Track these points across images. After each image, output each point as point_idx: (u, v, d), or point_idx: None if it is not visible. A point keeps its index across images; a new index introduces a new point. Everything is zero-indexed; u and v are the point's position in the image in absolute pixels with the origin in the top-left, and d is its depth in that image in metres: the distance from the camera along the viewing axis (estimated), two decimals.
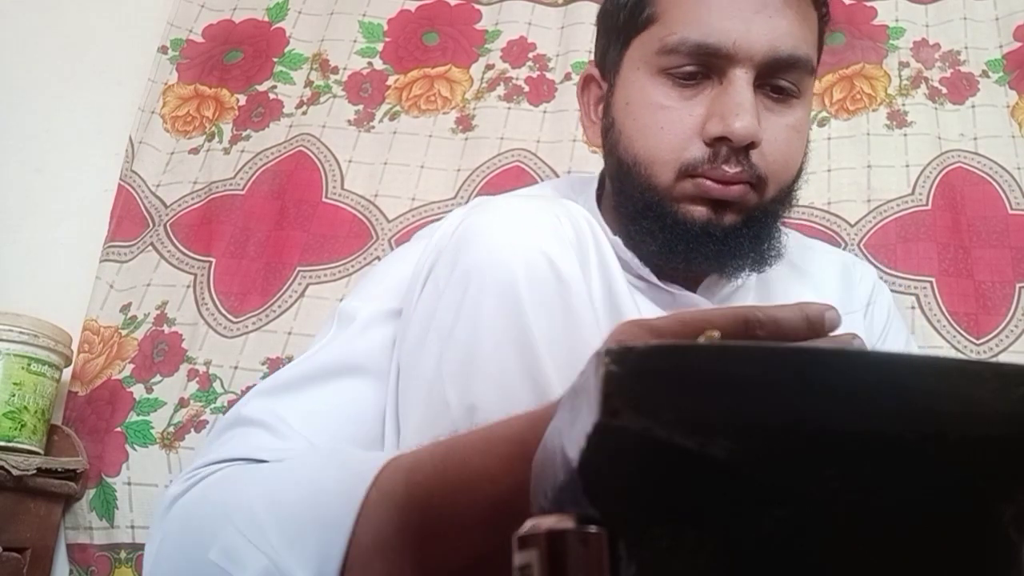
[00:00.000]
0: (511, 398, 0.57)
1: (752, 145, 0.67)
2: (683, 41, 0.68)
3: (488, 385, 0.57)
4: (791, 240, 0.87)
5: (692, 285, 0.72)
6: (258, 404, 0.66)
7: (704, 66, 0.69)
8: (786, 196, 0.73)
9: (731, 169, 0.67)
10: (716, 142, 0.67)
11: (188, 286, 1.33)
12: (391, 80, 1.46)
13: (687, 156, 0.68)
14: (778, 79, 0.69)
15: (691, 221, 0.69)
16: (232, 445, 0.63)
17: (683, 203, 0.69)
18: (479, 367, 0.57)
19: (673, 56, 0.69)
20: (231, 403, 1.20)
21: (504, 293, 0.58)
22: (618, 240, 0.74)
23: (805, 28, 0.70)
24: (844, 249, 1.19)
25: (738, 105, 0.66)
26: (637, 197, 0.72)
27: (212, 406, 1.22)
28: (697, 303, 0.70)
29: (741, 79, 0.67)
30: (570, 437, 0.26)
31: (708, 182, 0.68)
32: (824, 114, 1.33)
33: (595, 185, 0.83)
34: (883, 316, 0.85)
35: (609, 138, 0.75)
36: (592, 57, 0.85)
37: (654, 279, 0.71)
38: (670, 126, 0.69)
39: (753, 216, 0.69)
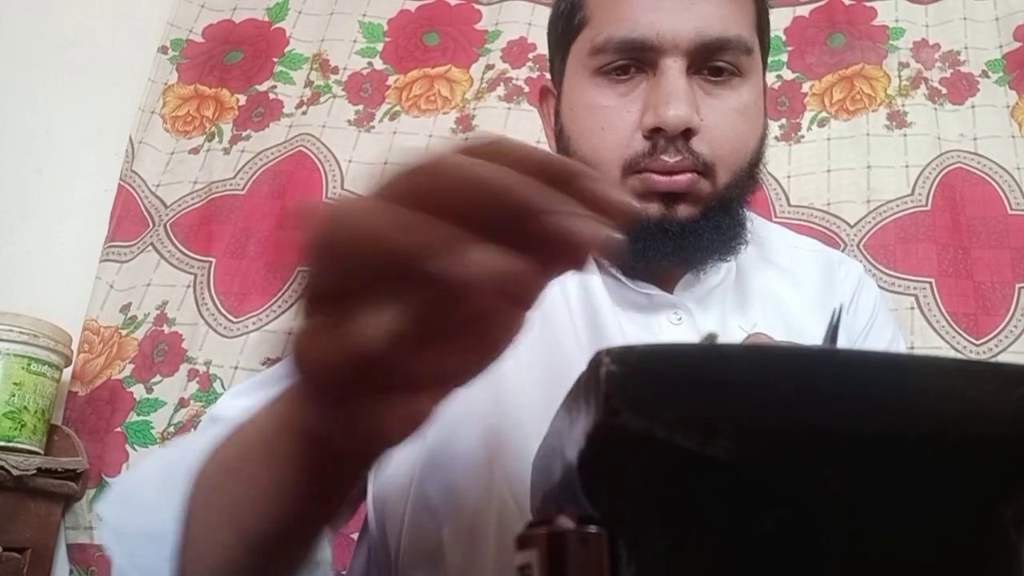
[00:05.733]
0: (468, 399, 0.58)
1: (690, 132, 0.67)
2: (609, 39, 0.69)
3: None
4: (777, 238, 0.86)
5: (668, 285, 0.72)
6: (228, 402, 0.67)
7: (636, 60, 0.69)
8: (744, 181, 0.72)
9: (671, 159, 0.67)
10: (653, 134, 0.67)
11: (188, 286, 1.33)
12: (391, 80, 1.46)
13: (629, 152, 0.68)
14: (713, 63, 0.69)
15: (644, 219, 0.68)
16: None
17: (634, 201, 0.69)
18: None
19: (603, 55, 0.69)
20: None
21: None
22: None
23: (735, 8, 0.70)
24: (844, 250, 1.19)
25: (669, 94, 0.66)
26: None
27: (212, 406, 1.22)
28: (675, 304, 0.70)
29: (672, 68, 0.67)
30: (570, 437, 0.26)
31: (653, 175, 0.68)
32: (824, 114, 1.33)
33: None
34: (867, 312, 0.85)
35: (561, 144, 0.76)
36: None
37: (625, 280, 0.71)
38: (610, 125, 0.69)
39: (711, 207, 0.69)
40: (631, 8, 0.68)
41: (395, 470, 0.61)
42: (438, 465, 0.59)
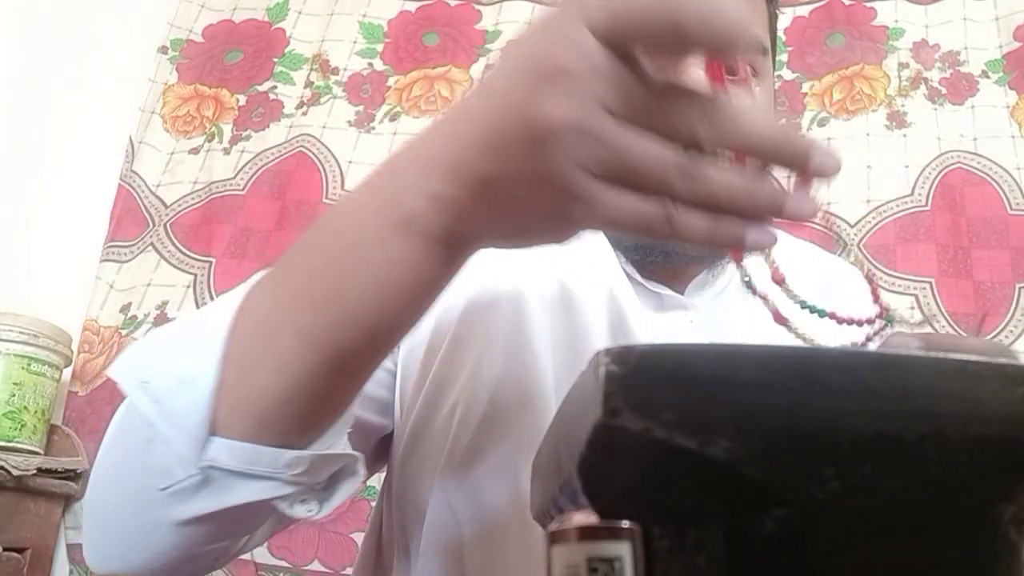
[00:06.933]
0: (496, 402, 0.59)
1: None
2: None
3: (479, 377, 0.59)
4: (781, 245, 0.86)
5: (680, 286, 0.72)
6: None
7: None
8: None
9: None
10: None
11: (188, 286, 1.33)
12: (391, 81, 1.46)
13: None
14: (729, 61, 0.69)
15: None
16: None
17: None
18: (479, 366, 0.57)
19: None
20: None
21: (510, 298, 0.59)
22: None
23: (750, 8, 0.70)
24: (844, 250, 1.19)
25: None
26: None
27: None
28: (684, 305, 0.70)
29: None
30: (570, 437, 0.26)
31: None
32: (824, 114, 1.33)
33: None
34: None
35: None
36: None
37: (638, 278, 0.71)
38: None
39: None
40: None
41: (419, 466, 0.60)
42: (462, 464, 0.59)
